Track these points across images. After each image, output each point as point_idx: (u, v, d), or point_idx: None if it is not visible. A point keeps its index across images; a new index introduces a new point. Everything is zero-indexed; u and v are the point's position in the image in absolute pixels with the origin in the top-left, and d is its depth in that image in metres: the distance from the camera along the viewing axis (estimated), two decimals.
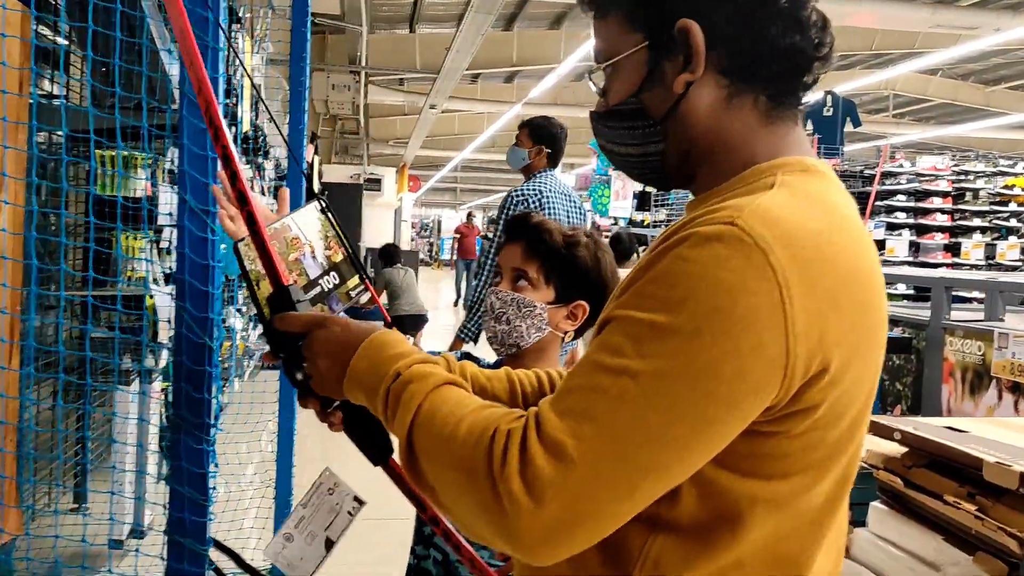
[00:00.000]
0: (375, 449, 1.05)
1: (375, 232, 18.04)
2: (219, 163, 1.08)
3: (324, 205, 1.05)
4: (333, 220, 1.06)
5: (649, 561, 0.85)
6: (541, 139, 4.09)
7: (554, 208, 3.91)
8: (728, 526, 0.84)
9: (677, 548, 0.85)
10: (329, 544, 1.37)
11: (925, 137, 16.28)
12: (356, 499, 1.38)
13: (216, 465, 1.98)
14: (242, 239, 1.07)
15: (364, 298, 1.13)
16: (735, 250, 0.77)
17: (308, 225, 1.05)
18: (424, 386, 0.87)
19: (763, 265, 0.77)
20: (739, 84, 0.91)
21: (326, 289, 1.09)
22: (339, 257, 1.06)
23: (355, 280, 1.10)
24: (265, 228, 1.02)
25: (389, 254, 9.00)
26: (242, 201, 1.02)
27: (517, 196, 3.90)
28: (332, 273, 1.09)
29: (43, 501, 3.64)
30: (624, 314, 0.80)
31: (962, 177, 9.77)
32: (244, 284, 1.02)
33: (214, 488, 1.94)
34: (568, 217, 3.95)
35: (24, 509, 3.00)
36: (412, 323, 8.79)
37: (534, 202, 3.85)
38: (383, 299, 7.97)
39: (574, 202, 4.13)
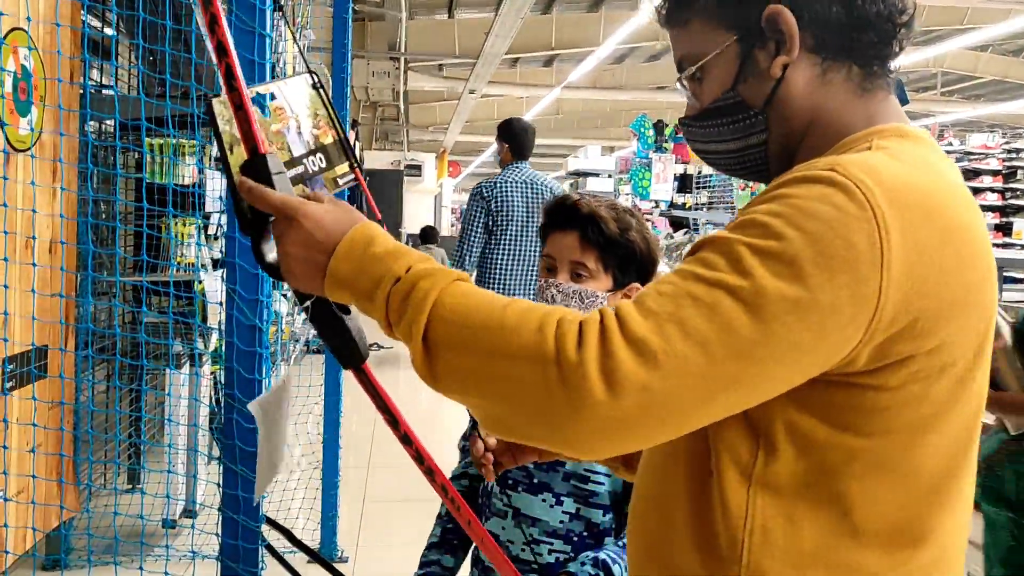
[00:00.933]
0: (348, 353, 0.99)
1: (415, 218, 18.12)
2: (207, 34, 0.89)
3: (316, 80, 0.93)
4: (325, 98, 0.94)
5: (756, 524, 0.85)
6: (504, 137, 4.56)
7: (507, 196, 4.39)
8: (830, 486, 0.84)
9: (781, 509, 0.85)
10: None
11: (975, 115, 15.87)
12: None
13: None
14: (217, 95, 0.97)
15: (349, 185, 1.02)
16: (838, 190, 0.78)
17: (296, 97, 0.94)
18: (436, 282, 0.84)
19: (864, 206, 0.77)
20: (831, 59, 0.93)
21: (310, 171, 0.98)
22: (328, 139, 0.95)
23: (344, 167, 0.99)
24: (244, 86, 0.92)
25: (426, 234, 10.71)
26: (221, 52, 0.92)
27: (475, 189, 4.48)
28: (319, 155, 0.99)
29: (99, 481, 3.74)
30: (723, 236, 0.81)
31: (1013, 156, 9.54)
32: (217, 149, 0.91)
33: None
34: (526, 204, 4.39)
35: (81, 488, 3.08)
36: None
37: (487, 192, 4.41)
38: None
39: (539, 189, 4.48)
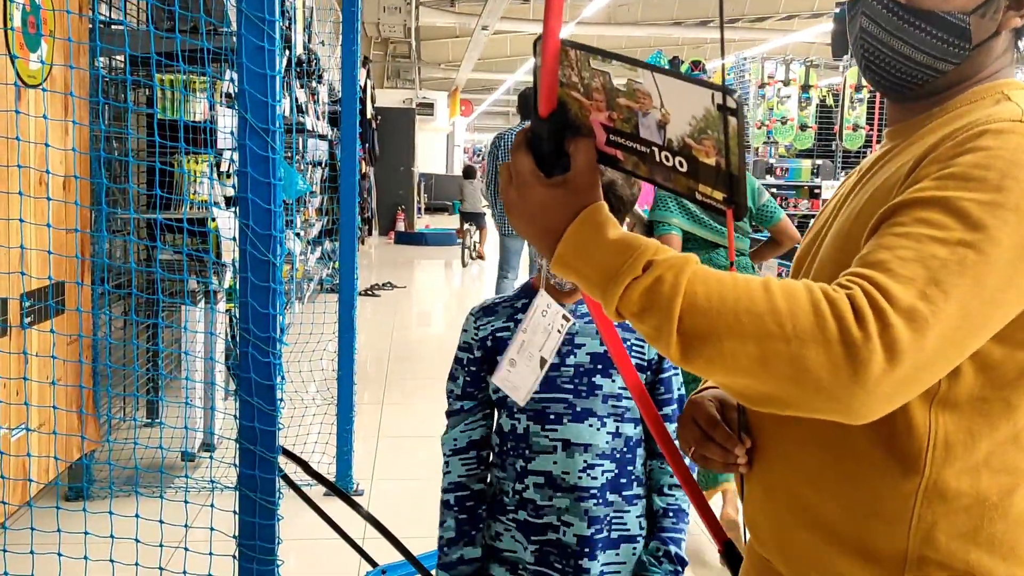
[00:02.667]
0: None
1: (428, 157, 18.02)
2: None
3: (726, 103, 0.83)
4: (730, 127, 0.84)
5: (939, 441, 0.94)
6: (524, 115, 5.66)
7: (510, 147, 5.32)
8: (1004, 398, 0.94)
9: (961, 425, 0.94)
10: (543, 362, 1.37)
11: None
12: (564, 316, 1.38)
13: (283, 377, 2.04)
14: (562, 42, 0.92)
15: (705, 203, 0.91)
16: None
17: (679, 98, 0.86)
18: (679, 271, 0.85)
19: None
20: (1014, 34, 1.04)
21: (655, 159, 0.91)
22: (708, 160, 0.87)
23: (716, 193, 0.88)
24: (556, 52, 0.89)
25: (469, 170, 12.95)
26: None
27: (496, 139, 5.72)
28: (679, 158, 0.89)
29: (119, 414, 3.81)
30: (940, 195, 0.87)
31: None
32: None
33: (281, 399, 2.01)
34: None
35: (101, 421, 3.14)
36: (474, 219, 12.11)
37: (492, 147, 5.87)
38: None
39: None
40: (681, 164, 0.89)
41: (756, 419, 1.11)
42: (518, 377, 1.36)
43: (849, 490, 0.99)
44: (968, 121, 0.95)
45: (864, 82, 8.42)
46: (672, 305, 0.84)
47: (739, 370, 0.83)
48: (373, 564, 1.99)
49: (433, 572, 1.90)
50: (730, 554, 1.26)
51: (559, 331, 1.39)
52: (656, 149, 0.90)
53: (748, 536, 1.17)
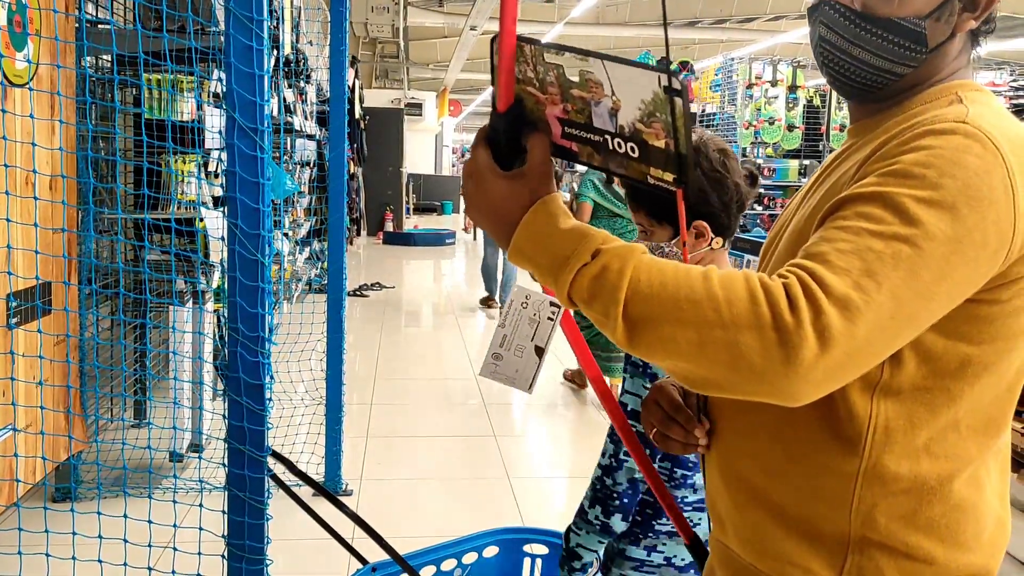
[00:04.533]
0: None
1: (416, 158, 17.99)
2: None
3: (671, 85, 0.85)
4: (676, 109, 0.86)
5: (880, 426, 0.99)
6: None
7: None
8: (945, 388, 0.98)
9: (901, 412, 0.98)
10: (539, 351, 1.38)
11: (982, 52, 15.61)
12: (552, 303, 1.38)
13: (272, 377, 2.04)
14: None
15: (658, 188, 0.93)
16: (974, 141, 0.91)
17: (628, 84, 0.88)
18: (625, 260, 0.89)
19: (996, 154, 0.90)
20: (970, 36, 1.08)
21: (610, 148, 0.93)
22: (658, 143, 0.89)
23: (666, 175, 0.91)
24: (513, 51, 0.92)
25: None
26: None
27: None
28: (631, 144, 0.92)
29: (106, 415, 3.79)
30: (880, 191, 0.90)
31: (1021, 93, 9.43)
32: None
33: (270, 399, 2.01)
34: None
35: (89, 422, 3.13)
36: None
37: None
38: None
39: None
40: (633, 150, 0.93)
41: (714, 404, 1.16)
42: (510, 369, 1.37)
43: (796, 473, 1.04)
44: (916, 121, 0.98)
45: None
46: (617, 291, 0.87)
47: (679, 354, 0.86)
48: (364, 562, 1.99)
49: (420, 572, 1.91)
50: (695, 549, 1.31)
51: (550, 318, 1.39)
52: (609, 137, 0.93)
53: (711, 526, 1.22)
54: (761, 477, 1.07)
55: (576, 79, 0.92)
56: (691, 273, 0.87)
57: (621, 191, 5.22)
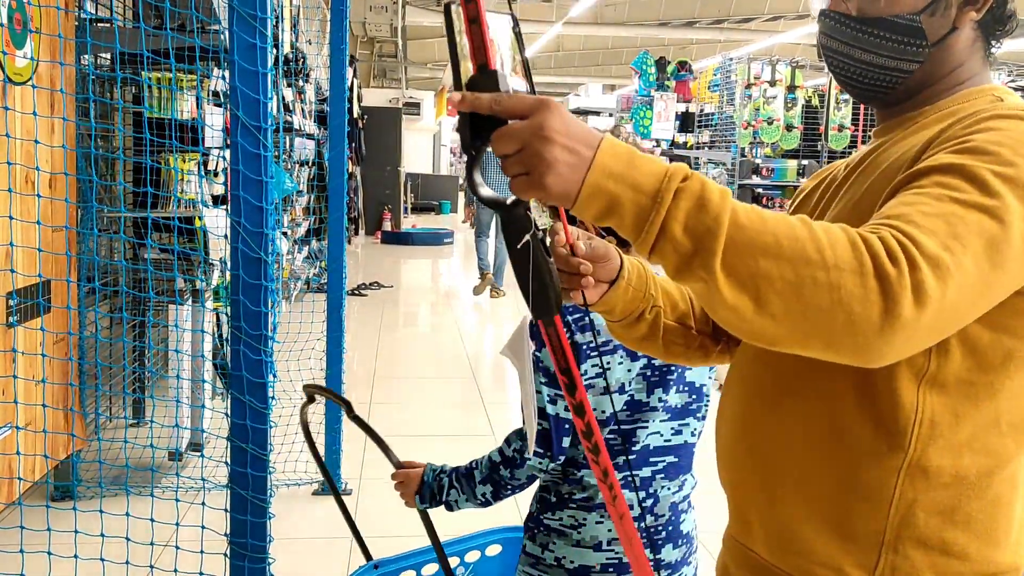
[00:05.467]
0: (546, 300, 0.91)
1: (414, 157, 17.97)
2: None
3: (515, 25, 0.87)
4: (521, 45, 0.87)
5: (926, 419, 0.97)
6: None
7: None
8: (989, 383, 0.98)
9: (947, 405, 0.98)
10: None
11: (997, 51, 15.62)
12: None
13: (274, 375, 2.04)
14: (449, 2, 0.91)
15: None
16: None
17: (500, 32, 0.87)
18: (722, 189, 0.84)
19: None
20: (982, 30, 1.08)
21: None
22: (522, 85, 0.86)
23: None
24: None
25: None
26: None
27: None
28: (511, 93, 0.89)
29: (107, 412, 3.79)
30: (958, 162, 0.90)
31: (1018, 93, 9.44)
32: (449, 53, 0.86)
33: (273, 397, 2.01)
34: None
35: (88, 420, 3.12)
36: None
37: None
38: None
39: None
40: None
41: (755, 388, 1.12)
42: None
43: (835, 467, 1.02)
44: (976, 109, 0.99)
45: None
46: (722, 214, 0.82)
47: (772, 292, 0.81)
48: (369, 557, 1.99)
49: (423, 570, 1.90)
50: None
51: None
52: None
53: (730, 524, 1.19)
54: (799, 470, 1.05)
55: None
56: (785, 217, 0.85)
57: None
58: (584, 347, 1.49)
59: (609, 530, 1.51)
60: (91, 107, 2.90)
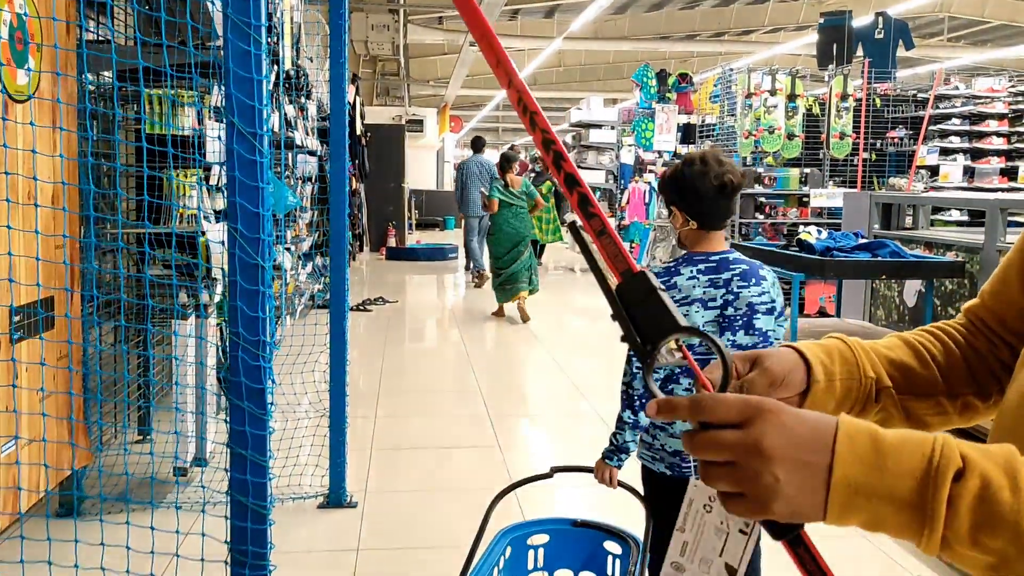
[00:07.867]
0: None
1: (418, 174, 18.03)
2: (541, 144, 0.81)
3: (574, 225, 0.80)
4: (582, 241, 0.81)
5: None
6: (471, 144, 10.55)
7: (468, 169, 10.63)
8: None
9: None
10: (731, 570, 1.04)
11: (981, 60, 15.67)
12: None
13: (273, 381, 2.04)
14: (573, 221, 0.85)
15: None
16: None
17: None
18: (1013, 488, 0.64)
19: None
20: None
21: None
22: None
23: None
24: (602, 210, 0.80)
25: (477, 143, 12.11)
26: (571, 183, 0.78)
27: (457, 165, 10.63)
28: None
29: (110, 429, 3.79)
30: None
31: (1019, 99, 9.43)
32: (590, 268, 0.81)
33: (272, 404, 2.01)
34: (479, 172, 10.42)
35: (92, 437, 3.13)
36: None
37: (459, 167, 10.84)
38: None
39: (484, 167, 10.52)
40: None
41: None
42: None
43: None
44: None
45: (849, 91, 8.49)
46: (1021, 520, 0.63)
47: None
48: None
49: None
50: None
51: (743, 531, 1.09)
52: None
53: None
54: None
55: None
56: None
57: (516, 191, 8.16)
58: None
59: None
60: (89, 124, 2.92)
